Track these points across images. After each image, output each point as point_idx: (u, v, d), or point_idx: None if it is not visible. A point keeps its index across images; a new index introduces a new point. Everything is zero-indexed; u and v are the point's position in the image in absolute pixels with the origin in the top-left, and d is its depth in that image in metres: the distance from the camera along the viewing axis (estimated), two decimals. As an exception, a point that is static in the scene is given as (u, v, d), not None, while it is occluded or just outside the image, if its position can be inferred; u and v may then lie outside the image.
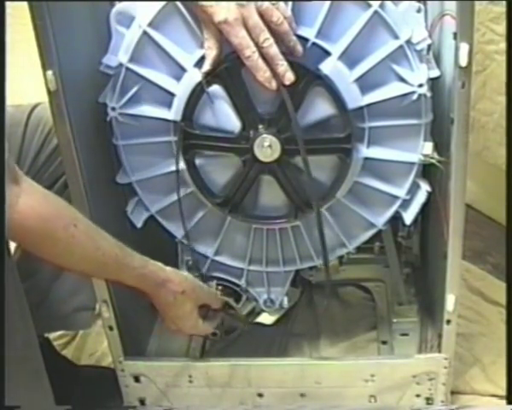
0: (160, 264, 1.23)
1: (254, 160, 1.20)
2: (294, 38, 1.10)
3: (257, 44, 1.09)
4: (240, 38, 1.07)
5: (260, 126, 1.18)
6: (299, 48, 1.11)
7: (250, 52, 1.08)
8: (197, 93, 1.17)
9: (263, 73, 1.10)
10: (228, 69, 1.14)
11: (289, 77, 1.10)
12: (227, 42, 1.10)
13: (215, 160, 1.25)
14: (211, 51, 1.12)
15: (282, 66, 1.10)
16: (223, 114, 1.19)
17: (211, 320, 1.36)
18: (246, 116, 1.18)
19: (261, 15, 1.08)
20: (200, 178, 1.25)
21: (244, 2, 1.06)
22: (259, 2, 1.07)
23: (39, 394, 1.26)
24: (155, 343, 1.55)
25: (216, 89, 1.17)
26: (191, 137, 1.20)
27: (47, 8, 1.08)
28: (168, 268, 1.24)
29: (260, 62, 1.09)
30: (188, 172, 1.24)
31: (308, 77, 1.13)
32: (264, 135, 1.17)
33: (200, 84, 1.15)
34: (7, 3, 1.06)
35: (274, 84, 1.11)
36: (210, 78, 1.15)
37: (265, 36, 1.08)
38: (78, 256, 1.09)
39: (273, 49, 1.09)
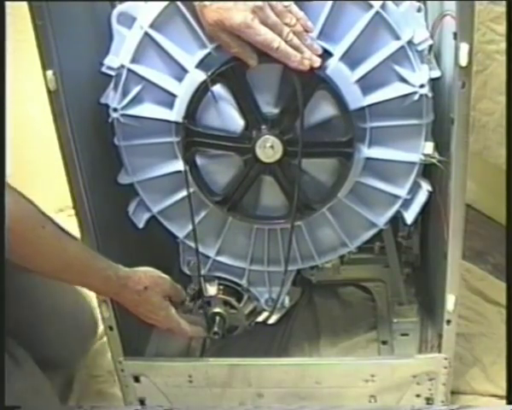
0: (119, 266, 1.24)
1: (255, 160, 1.20)
2: (310, 39, 1.11)
3: None
4: (263, 34, 1.08)
5: (263, 127, 1.18)
6: (316, 46, 1.12)
7: (277, 43, 1.08)
8: (201, 91, 1.17)
9: (294, 58, 1.10)
10: (233, 69, 1.14)
11: (316, 60, 1.11)
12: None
13: (217, 160, 1.25)
14: (243, 48, 1.11)
15: (307, 52, 1.11)
16: (225, 115, 1.19)
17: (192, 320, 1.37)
18: (249, 116, 1.18)
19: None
20: (200, 176, 1.25)
21: (250, 3, 1.06)
22: (273, 3, 1.08)
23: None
24: (155, 343, 1.55)
25: (219, 89, 1.17)
26: (193, 134, 1.20)
27: (47, 8, 1.08)
28: (127, 268, 1.25)
29: (289, 49, 1.09)
30: (189, 171, 1.24)
31: (313, 80, 1.13)
32: (267, 136, 1.17)
33: (204, 82, 1.15)
34: (7, 3, 1.06)
35: (307, 63, 1.11)
36: (215, 77, 1.15)
37: (287, 30, 1.09)
38: (45, 257, 1.11)
39: (296, 40, 1.10)
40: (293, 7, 1.10)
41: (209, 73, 1.15)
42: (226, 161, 1.24)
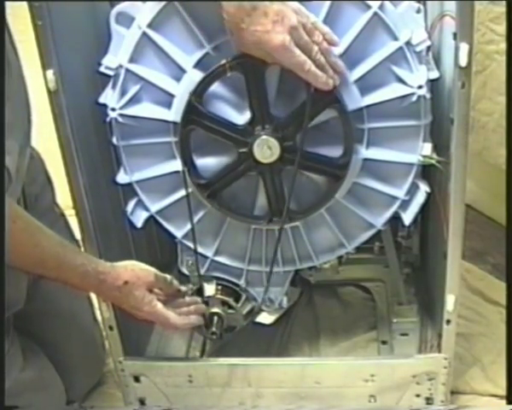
0: (101, 261, 1.22)
1: (250, 156, 1.20)
2: (334, 56, 1.12)
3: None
4: (297, 56, 1.09)
5: (267, 127, 1.18)
6: (340, 63, 1.13)
7: (308, 66, 1.10)
8: (219, 73, 1.16)
9: (321, 79, 1.11)
10: (253, 64, 1.13)
11: (337, 79, 1.13)
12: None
13: (212, 147, 1.24)
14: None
15: (330, 71, 1.12)
16: (231, 107, 1.20)
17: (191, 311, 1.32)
18: (257, 112, 1.18)
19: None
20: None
21: (286, 24, 1.06)
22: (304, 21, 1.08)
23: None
24: (155, 343, 1.55)
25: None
26: (197, 113, 1.18)
27: (47, 8, 1.08)
28: (108, 263, 1.22)
29: (318, 71, 1.11)
30: (180, 146, 1.23)
31: (328, 98, 1.15)
32: (269, 136, 1.18)
33: (223, 66, 1.14)
34: (7, 3, 1.07)
35: (331, 83, 1.12)
36: (234, 64, 1.14)
37: (316, 49, 1.10)
38: (17, 253, 1.09)
39: (322, 58, 1.11)
40: (319, 22, 1.11)
41: (229, 59, 1.14)
42: (220, 150, 1.24)
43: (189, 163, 1.24)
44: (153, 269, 1.27)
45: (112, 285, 1.20)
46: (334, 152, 1.21)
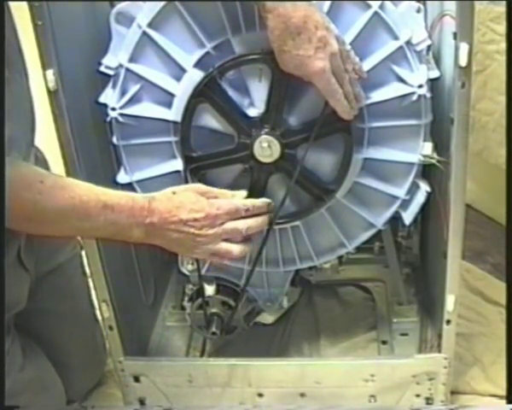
0: None
1: (249, 148, 1.19)
2: (359, 87, 1.13)
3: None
4: (332, 84, 1.10)
5: (277, 129, 1.18)
6: (363, 95, 1.14)
7: (339, 95, 1.11)
8: (250, 60, 1.15)
9: (345, 109, 1.13)
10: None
11: (356, 110, 1.15)
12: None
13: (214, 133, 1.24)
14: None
15: (353, 102, 1.13)
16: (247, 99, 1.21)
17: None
18: (273, 110, 1.17)
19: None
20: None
21: (328, 51, 1.07)
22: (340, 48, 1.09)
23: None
24: (155, 343, 1.55)
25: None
26: (214, 88, 1.17)
27: (47, 8, 1.08)
28: None
29: (345, 101, 1.12)
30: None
31: (340, 126, 1.17)
32: (274, 138, 1.18)
33: (258, 54, 1.15)
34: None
35: (352, 115, 1.14)
36: (268, 57, 1.13)
37: (347, 78, 1.11)
38: (53, 211, 1.02)
39: (350, 88, 1.12)
40: (352, 52, 1.11)
41: (259, 51, 1.14)
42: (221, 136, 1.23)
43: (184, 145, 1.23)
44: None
45: (163, 196, 1.10)
46: (333, 158, 1.22)
